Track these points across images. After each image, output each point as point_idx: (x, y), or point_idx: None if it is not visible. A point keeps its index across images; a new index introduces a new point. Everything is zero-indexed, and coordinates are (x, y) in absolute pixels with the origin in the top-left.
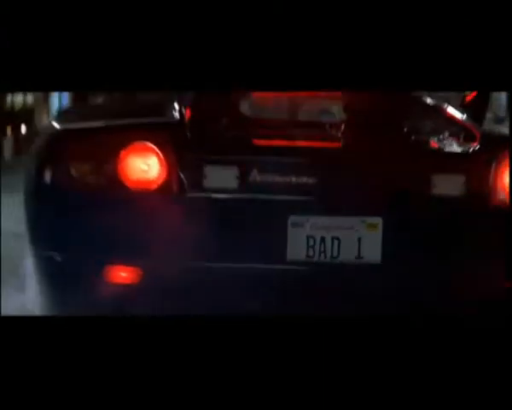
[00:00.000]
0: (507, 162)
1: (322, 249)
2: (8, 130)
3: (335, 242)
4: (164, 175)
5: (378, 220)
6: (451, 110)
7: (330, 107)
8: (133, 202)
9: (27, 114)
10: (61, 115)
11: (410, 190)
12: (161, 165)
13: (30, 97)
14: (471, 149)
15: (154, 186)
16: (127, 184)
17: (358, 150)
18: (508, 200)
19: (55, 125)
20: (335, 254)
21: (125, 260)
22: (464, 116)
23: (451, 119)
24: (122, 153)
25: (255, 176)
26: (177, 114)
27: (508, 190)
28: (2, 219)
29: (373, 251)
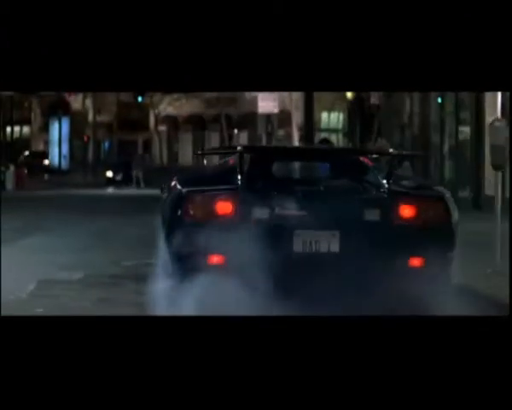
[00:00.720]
0: (401, 204)
1: (311, 246)
2: (11, 164)
3: (317, 242)
4: (233, 211)
5: (337, 232)
6: (378, 176)
7: (323, 165)
8: (219, 224)
9: (24, 144)
10: (182, 180)
11: (353, 217)
12: (232, 207)
13: (26, 128)
14: (383, 197)
15: (229, 217)
16: (217, 216)
17: (329, 198)
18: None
19: (180, 187)
20: (317, 248)
21: (217, 252)
22: (384, 180)
23: (377, 182)
24: (215, 202)
25: (277, 212)
26: (238, 182)
27: (403, 217)
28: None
29: (334, 247)
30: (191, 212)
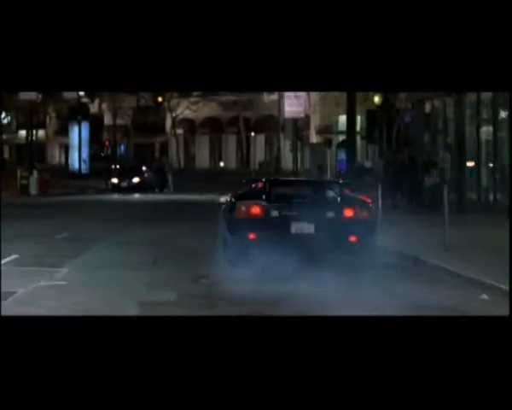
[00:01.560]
0: (345, 209)
1: (301, 230)
2: (35, 170)
3: (302, 228)
4: (261, 213)
5: (313, 223)
6: (335, 195)
7: (308, 189)
8: (253, 219)
9: (40, 149)
10: (233, 195)
11: (321, 215)
12: (260, 211)
13: (41, 132)
14: (336, 205)
15: (260, 217)
16: (253, 215)
17: (310, 205)
18: (346, 219)
19: (233, 200)
20: (303, 232)
21: (252, 232)
22: (338, 197)
23: (334, 197)
24: (252, 208)
25: (283, 212)
26: (264, 197)
27: (346, 216)
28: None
29: (311, 231)
30: (239, 213)
